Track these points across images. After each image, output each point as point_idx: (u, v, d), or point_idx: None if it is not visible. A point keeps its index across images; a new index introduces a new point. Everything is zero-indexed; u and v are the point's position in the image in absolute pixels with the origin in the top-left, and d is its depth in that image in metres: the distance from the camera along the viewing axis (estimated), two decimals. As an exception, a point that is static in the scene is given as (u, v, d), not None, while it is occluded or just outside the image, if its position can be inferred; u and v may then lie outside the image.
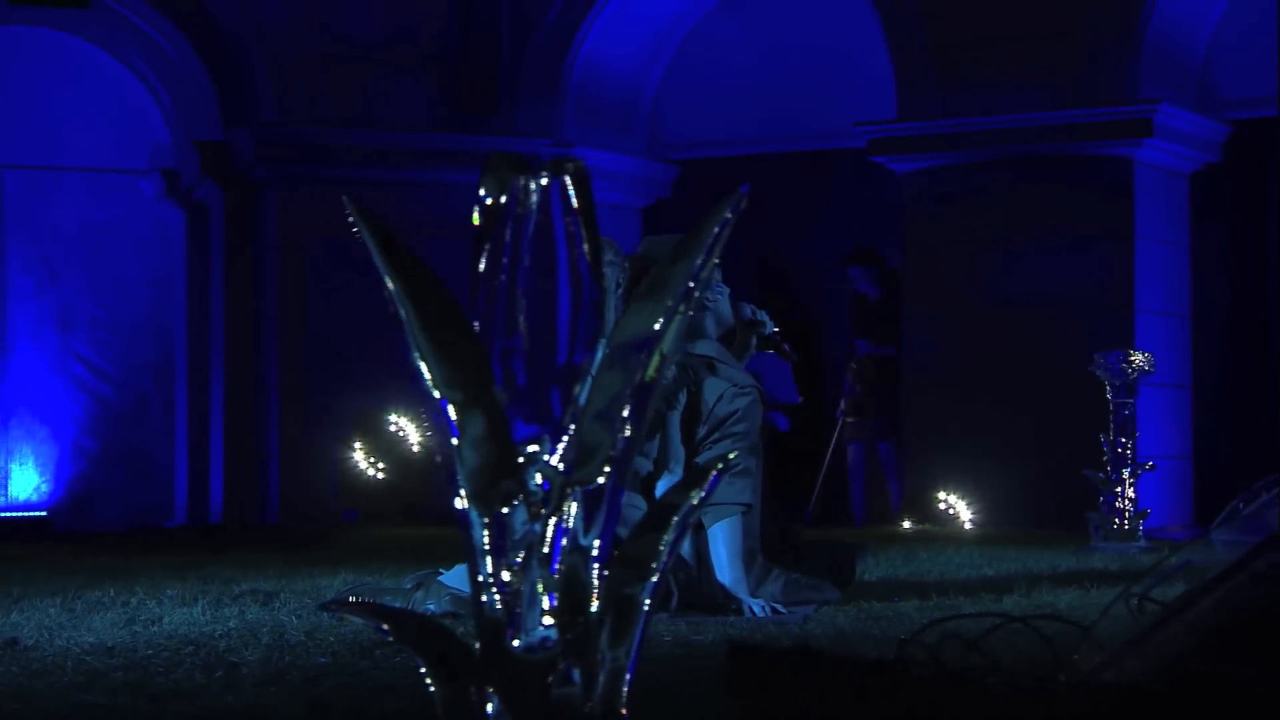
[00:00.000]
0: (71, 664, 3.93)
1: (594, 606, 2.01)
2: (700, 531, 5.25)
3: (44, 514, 12.96)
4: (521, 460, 2.00)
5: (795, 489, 12.16)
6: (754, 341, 5.76)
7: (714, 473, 2.12)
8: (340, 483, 11.88)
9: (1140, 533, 8.34)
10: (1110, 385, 8.45)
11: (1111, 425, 8.45)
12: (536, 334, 2.00)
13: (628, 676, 2.03)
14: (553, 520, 2.01)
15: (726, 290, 5.63)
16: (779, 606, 5.12)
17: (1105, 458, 8.42)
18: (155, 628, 4.74)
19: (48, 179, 13.34)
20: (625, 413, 2.05)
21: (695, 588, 5.17)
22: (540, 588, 1.99)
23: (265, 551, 8.10)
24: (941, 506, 10.85)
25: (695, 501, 2.10)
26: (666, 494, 2.11)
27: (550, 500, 2.01)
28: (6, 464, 13.21)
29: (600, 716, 2.00)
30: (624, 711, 2.03)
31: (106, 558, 7.87)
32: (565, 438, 2.02)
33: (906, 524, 10.80)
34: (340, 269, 11.85)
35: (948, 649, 2.80)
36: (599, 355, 2.11)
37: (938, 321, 11.28)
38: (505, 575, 1.98)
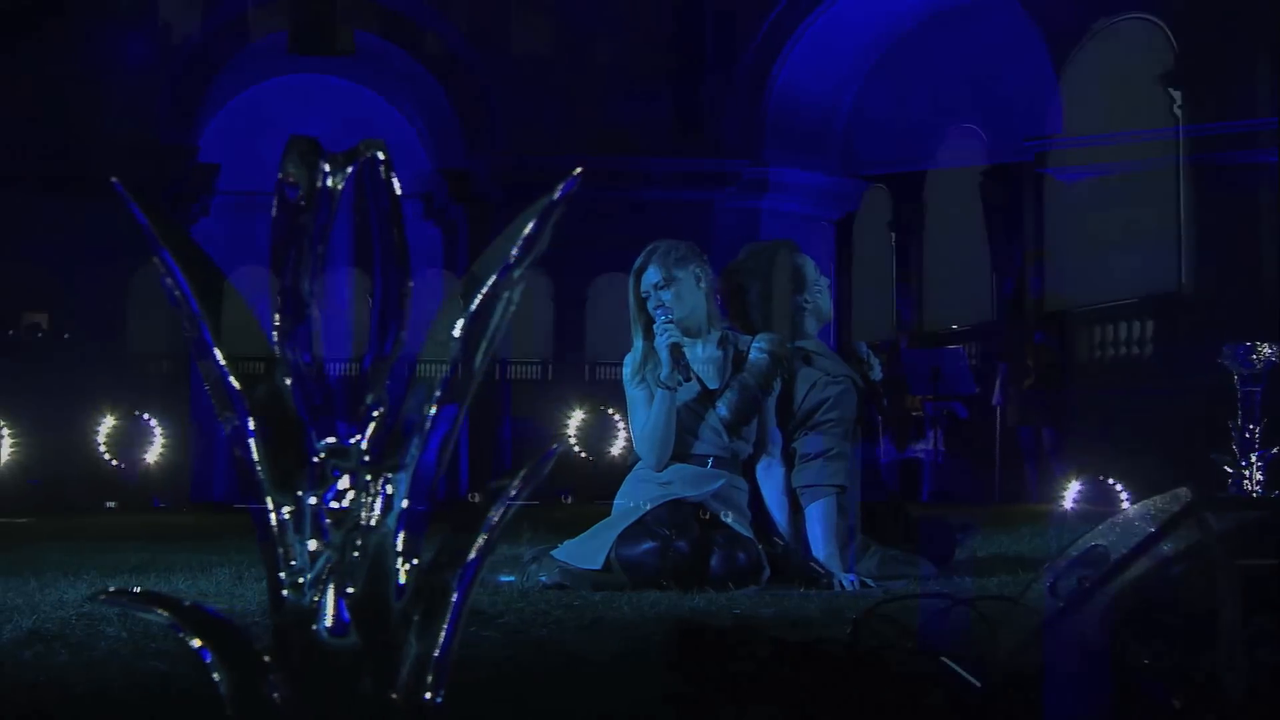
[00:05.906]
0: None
1: (397, 595, 1.72)
2: (799, 511, 4.94)
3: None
4: (322, 447, 1.72)
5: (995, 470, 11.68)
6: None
7: (537, 462, 1.83)
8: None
9: (1269, 512, 7.74)
10: (1238, 374, 7.91)
11: (1240, 412, 7.92)
12: (339, 320, 1.73)
13: (434, 666, 1.74)
14: (354, 507, 1.73)
15: (826, 281, 5.24)
16: (869, 581, 4.77)
17: (1234, 442, 7.91)
18: (295, 596, 4.53)
19: (335, 204, 13.49)
20: (436, 401, 1.76)
21: (791, 563, 4.86)
22: (340, 576, 1.71)
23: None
24: (1100, 486, 10.29)
25: (510, 496, 1.81)
26: (488, 484, 1.82)
27: (352, 487, 1.73)
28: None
29: (401, 706, 1.72)
30: (428, 696, 1.74)
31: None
32: (371, 424, 1.74)
33: (1068, 503, 10.25)
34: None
35: (892, 630, 2.51)
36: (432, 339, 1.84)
37: (1102, 317, 10.77)
38: (304, 563, 1.71)
